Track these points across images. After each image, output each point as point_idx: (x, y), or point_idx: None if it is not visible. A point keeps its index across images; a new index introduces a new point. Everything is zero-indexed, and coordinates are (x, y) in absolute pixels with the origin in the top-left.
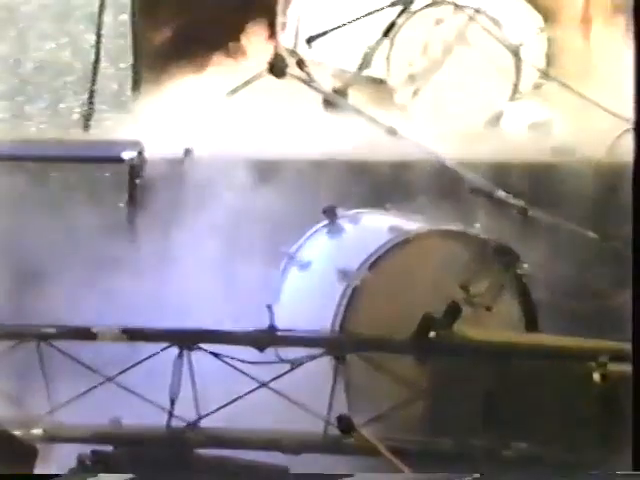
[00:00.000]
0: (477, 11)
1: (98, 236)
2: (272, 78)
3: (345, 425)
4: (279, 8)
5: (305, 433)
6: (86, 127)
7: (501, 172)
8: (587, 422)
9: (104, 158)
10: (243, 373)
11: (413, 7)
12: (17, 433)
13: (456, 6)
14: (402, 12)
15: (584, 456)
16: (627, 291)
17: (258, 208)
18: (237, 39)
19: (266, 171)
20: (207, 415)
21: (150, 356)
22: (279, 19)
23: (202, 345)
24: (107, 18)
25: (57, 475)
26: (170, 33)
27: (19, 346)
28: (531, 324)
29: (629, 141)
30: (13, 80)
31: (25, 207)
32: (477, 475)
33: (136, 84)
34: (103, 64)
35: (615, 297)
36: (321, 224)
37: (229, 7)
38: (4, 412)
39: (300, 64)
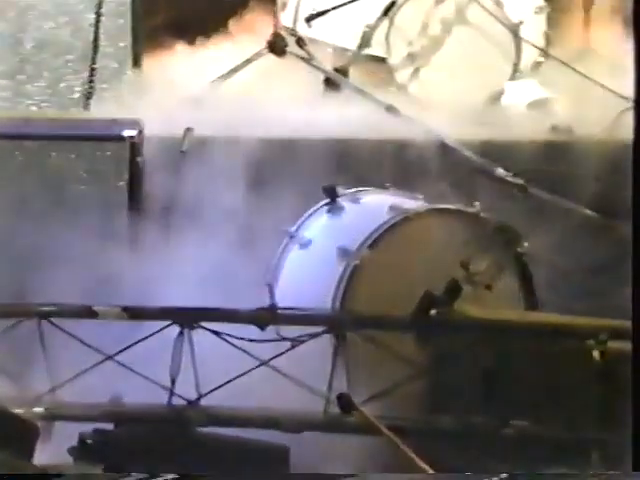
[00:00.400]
0: None
1: (98, 214)
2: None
3: (345, 403)
4: None
5: (305, 412)
6: (86, 106)
7: (501, 151)
8: (587, 400)
9: (105, 136)
10: (244, 351)
11: None
12: (18, 411)
13: None
14: None
15: (583, 434)
16: (626, 269)
17: (258, 185)
18: (237, 17)
19: (266, 150)
20: (208, 394)
21: (150, 334)
22: None
23: (203, 323)
24: (110, 5)
25: (58, 475)
26: (170, 11)
27: (20, 325)
28: (531, 302)
29: (629, 119)
30: (13, 59)
31: (25, 187)
32: (504, 475)
33: (136, 63)
34: (103, 43)
35: (615, 275)
36: (322, 203)
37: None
38: (5, 390)
39: (300, 43)
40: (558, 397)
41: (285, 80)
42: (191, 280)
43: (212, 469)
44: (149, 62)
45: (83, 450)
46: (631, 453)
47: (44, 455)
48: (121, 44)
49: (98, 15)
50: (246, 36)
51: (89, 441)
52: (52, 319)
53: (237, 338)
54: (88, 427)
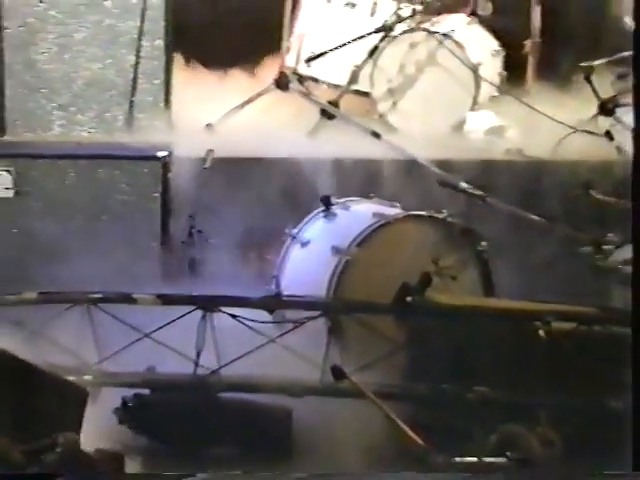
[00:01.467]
0: (445, 36)
1: (137, 218)
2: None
3: (338, 373)
4: (284, 35)
5: (305, 380)
6: (127, 132)
7: (464, 168)
8: (535, 369)
9: (142, 157)
10: (255, 331)
11: (393, 33)
12: (71, 379)
13: (428, 32)
14: (384, 38)
15: (532, 398)
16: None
17: (266, 195)
18: (251, 60)
19: (272, 167)
20: (226, 365)
21: (179, 317)
22: (284, 44)
23: (222, 308)
24: (145, 43)
25: (60, 475)
26: (196, 55)
27: (73, 309)
28: (489, 290)
29: (570, 143)
30: (68, 94)
31: (78, 197)
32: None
33: (167, 97)
34: (140, 80)
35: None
36: (318, 210)
37: (245, 37)
38: (62, 361)
39: (300, 80)
40: (512, 367)
41: (288, 110)
42: (209, 268)
43: (229, 427)
44: (178, 95)
45: (125, 411)
46: (631, 453)
47: (93, 415)
48: (155, 81)
49: (137, 58)
50: (258, 74)
51: (130, 404)
52: (99, 304)
53: (250, 320)
54: (129, 392)
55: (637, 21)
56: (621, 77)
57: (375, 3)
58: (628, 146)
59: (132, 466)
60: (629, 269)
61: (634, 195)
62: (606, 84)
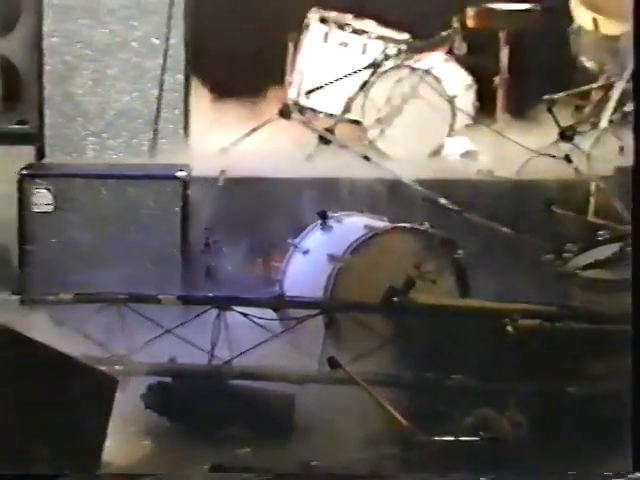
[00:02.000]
0: (426, 72)
1: (162, 230)
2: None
3: (333, 363)
4: (287, 71)
5: (306, 369)
6: (152, 155)
7: (443, 186)
8: (504, 360)
9: (164, 177)
10: (262, 327)
11: (381, 70)
12: (103, 368)
13: (411, 69)
14: (373, 73)
15: (502, 385)
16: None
17: (270, 209)
18: (258, 91)
19: (276, 186)
20: (237, 356)
21: (197, 315)
22: (287, 79)
23: (234, 307)
24: (167, 78)
25: (58, 475)
26: (211, 89)
27: (105, 308)
28: (464, 292)
29: (535, 165)
30: (101, 123)
31: (109, 212)
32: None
33: (186, 124)
34: (163, 110)
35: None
36: (316, 223)
37: (254, 72)
38: (95, 354)
39: (301, 110)
40: (485, 358)
41: (290, 136)
42: (223, 273)
43: (239, 410)
44: (195, 123)
45: (150, 396)
46: (631, 453)
47: (122, 400)
48: (176, 111)
49: (160, 91)
50: (263, 105)
51: (154, 390)
52: (128, 304)
53: (258, 317)
54: (153, 380)
55: (637, 21)
56: (578, 109)
57: (365, 43)
58: (585, 167)
59: (156, 445)
60: (586, 273)
61: (634, 194)
62: (566, 114)
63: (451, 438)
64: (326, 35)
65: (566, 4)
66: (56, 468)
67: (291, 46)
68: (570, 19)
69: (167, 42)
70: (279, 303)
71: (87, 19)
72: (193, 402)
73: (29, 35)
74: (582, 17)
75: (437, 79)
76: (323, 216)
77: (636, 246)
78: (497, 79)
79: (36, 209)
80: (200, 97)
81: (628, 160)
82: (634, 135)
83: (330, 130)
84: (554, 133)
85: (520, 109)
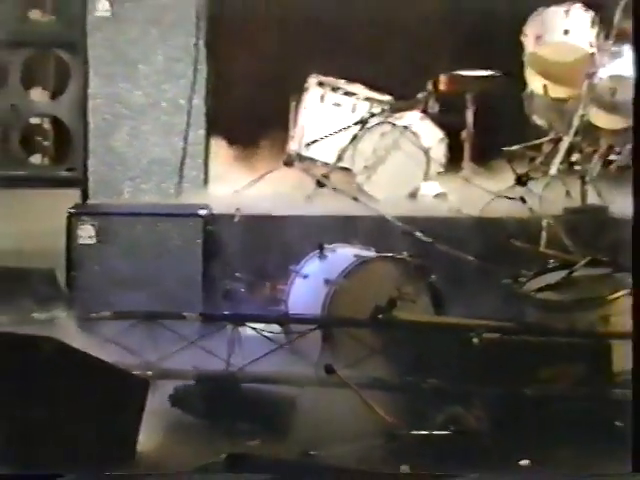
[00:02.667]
0: (405, 128)
1: (187, 259)
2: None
3: (329, 369)
4: (290, 127)
5: (306, 374)
6: (177, 196)
7: (418, 222)
8: (469, 368)
9: (188, 214)
10: (269, 339)
11: (367, 126)
12: (137, 373)
13: (393, 125)
14: (361, 129)
15: (466, 388)
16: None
17: (275, 242)
18: (266, 143)
19: (279, 222)
20: (249, 364)
21: (216, 330)
22: (290, 133)
23: (246, 323)
24: (190, 133)
25: (60, 475)
26: (227, 142)
27: (139, 323)
28: (439, 310)
29: (495, 205)
30: (136, 170)
31: (142, 243)
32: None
33: (206, 171)
34: (187, 160)
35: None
36: (314, 252)
37: (262, 128)
38: (130, 361)
39: (302, 159)
40: (454, 365)
41: (292, 181)
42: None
43: (249, 408)
44: (214, 170)
45: (176, 396)
46: (631, 453)
47: (154, 400)
48: (198, 160)
49: (185, 144)
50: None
51: (180, 391)
52: (158, 320)
53: (267, 331)
54: (179, 383)
55: (637, 21)
56: (532, 159)
57: (355, 103)
58: (537, 207)
59: (181, 437)
60: (538, 295)
61: (634, 194)
62: (521, 163)
63: (426, 432)
64: (322, 96)
65: (521, 71)
66: (98, 457)
67: (293, 105)
68: (524, 84)
69: (191, 103)
70: (284, 319)
71: (125, 83)
72: (212, 402)
73: (76, 98)
74: (534, 83)
75: (415, 134)
76: (319, 247)
77: (636, 246)
78: (464, 134)
79: (81, 241)
80: (218, 148)
81: (574, 202)
82: (633, 143)
83: (325, 176)
84: (511, 179)
85: (483, 159)
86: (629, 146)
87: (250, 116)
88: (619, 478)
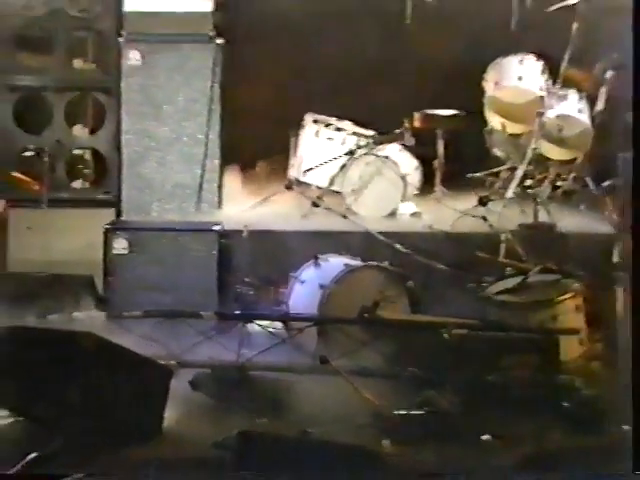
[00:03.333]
0: (386, 158)
1: (204, 268)
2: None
3: (324, 360)
4: (290, 157)
5: (304, 364)
6: (196, 215)
7: (398, 236)
8: (441, 358)
9: (205, 230)
10: (273, 334)
11: (355, 156)
12: (162, 362)
13: (376, 156)
14: (349, 158)
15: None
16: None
17: (277, 253)
18: (270, 172)
19: (280, 237)
20: (256, 355)
21: (228, 326)
22: (289, 162)
23: (255, 320)
24: (207, 162)
25: (63, 475)
26: (238, 169)
27: (164, 321)
28: (415, 310)
29: (462, 222)
30: (161, 193)
31: (166, 253)
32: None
33: (220, 194)
34: (205, 185)
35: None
36: (310, 261)
37: (267, 158)
38: (157, 352)
39: (300, 184)
40: (429, 356)
41: (291, 202)
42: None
43: (257, 392)
44: (226, 193)
45: (196, 382)
46: (631, 453)
47: (177, 385)
48: (213, 185)
49: (202, 171)
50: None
51: (198, 378)
52: (181, 318)
53: (271, 328)
54: (198, 371)
55: (637, 21)
56: (492, 184)
57: (344, 137)
58: (496, 224)
59: (200, 416)
60: (498, 297)
61: (634, 195)
62: (483, 188)
63: (405, 412)
64: (317, 132)
65: (483, 111)
66: (131, 432)
67: (293, 139)
68: (485, 122)
69: (207, 137)
70: (285, 318)
71: (152, 121)
72: (225, 387)
73: (111, 133)
74: (493, 121)
75: (394, 163)
76: (315, 257)
77: (636, 247)
78: (435, 163)
79: (115, 252)
80: (230, 175)
81: (527, 219)
82: (633, 146)
83: (320, 198)
84: (475, 200)
85: (451, 183)
86: (573, 174)
87: (256, 148)
88: (619, 478)
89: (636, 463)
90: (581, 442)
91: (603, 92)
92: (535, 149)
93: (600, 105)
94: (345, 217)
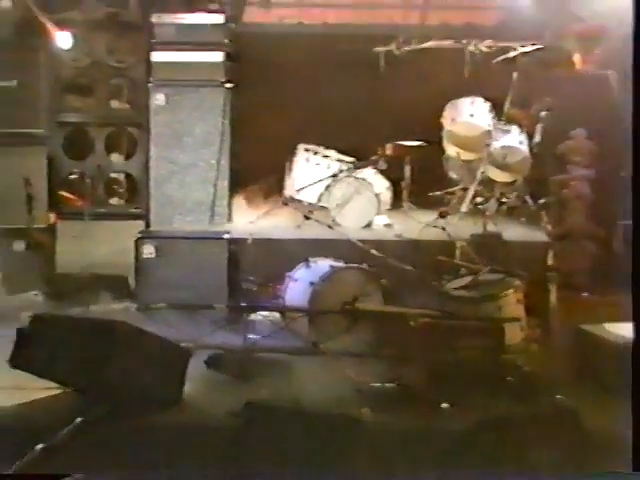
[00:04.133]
0: (363, 180)
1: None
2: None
3: (314, 344)
4: (285, 177)
5: (297, 347)
6: (209, 225)
7: (373, 244)
8: (410, 342)
9: (217, 238)
10: (273, 322)
11: (338, 178)
12: (182, 345)
13: (355, 178)
14: (334, 180)
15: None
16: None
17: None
18: (269, 191)
19: (277, 243)
20: (258, 339)
21: (237, 316)
22: (285, 182)
23: (257, 311)
24: (219, 183)
25: (65, 475)
26: (243, 189)
27: (185, 311)
28: (387, 303)
29: (425, 232)
30: (183, 208)
31: (186, 256)
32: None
33: (230, 209)
34: (217, 202)
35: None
36: (302, 264)
37: (266, 180)
38: (178, 337)
39: (294, 201)
40: (399, 340)
41: (287, 216)
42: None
43: (261, 368)
44: (235, 208)
45: (210, 361)
46: (631, 453)
47: (195, 364)
48: (224, 202)
49: (215, 190)
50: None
51: (212, 358)
52: (198, 310)
53: (271, 317)
54: (212, 352)
55: (637, 21)
56: (449, 201)
57: (329, 163)
58: (453, 234)
59: (213, 388)
60: (455, 292)
61: (634, 195)
62: (442, 204)
63: (380, 385)
64: (307, 158)
65: (441, 142)
66: (158, 401)
67: (287, 164)
68: (443, 151)
69: (219, 163)
70: (282, 309)
71: (175, 150)
72: (235, 364)
73: (141, 159)
74: (450, 150)
75: (370, 184)
76: (306, 260)
77: (636, 246)
78: (403, 183)
79: (144, 256)
80: (237, 193)
81: (478, 230)
82: (633, 148)
83: (310, 212)
84: (435, 214)
85: (416, 200)
86: (515, 193)
87: (259, 172)
88: (619, 478)
89: (636, 463)
90: (521, 409)
91: (539, 128)
92: (484, 173)
93: (537, 138)
94: (331, 227)
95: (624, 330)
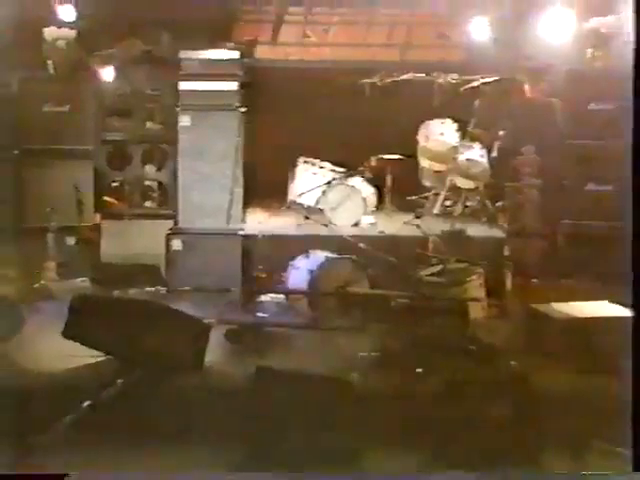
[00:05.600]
0: (353, 187)
1: (230, 262)
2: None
3: (312, 320)
4: (289, 186)
5: (299, 322)
6: (227, 225)
7: (361, 239)
8: (391, 320)
9: (233, 234)
10: (279, 303)
11: (331, 185)
12: (206, 321)
13: (346, 185)
14: (329, 187)
15: (390, 329)
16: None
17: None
18: (275, 198)
19: (285, 239)
20: (267, 316)
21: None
22: (288, 190)
23: (266, 294)
24: (235, 190)
25: (65, 475)
26: (254, 197)
27: (207, 295)
28: (373, 287)
29: (404, 229)
30: (204, 211)
31: (208, 251)
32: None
33: (244, 212)
34: (233, 206)
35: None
36: (303, 255)
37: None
38: (201, 314)
39: (295, 204)
40: (382, 319)
41: (291, 217)
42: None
43: (267, 341)
44: (249, 212)
45: (228, 335)
46: (631, 453)
47: (215, 337)
48: (238, 206)
49: (231, 196)
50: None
51: (230, 331)
52: (217, 293)
53: (277, 299)
54: (230, 327)
55: (637, 21)
56: (422, 205)
57: (324, 173)
58: (427, 230)
59: (231, 355)
60: (428, 279)
61: (634, 194)
62: (418, 206)
63: (366, 354)
64: (306, 169)
65: (416, 155)
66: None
67: (290, 174)
68: (418, 163)
69: (234, 173)
70: (286, 292)
71: (198, 161)
72: (250, 337)
73: (171, 170)
74: (424, 162)
75: (358, 190)
76: (306, 252)
77: (636, 246)
78: (385, 190)
79: (174, 249)
80: (249, 199)
81: (447, 227)
82: (633, 136)
83: (310, 213)
84: (412, 215)
85: (398, 203)
86: (477, 198)
87: (267, 181)
88: (619, 478)
89: (636, 463)
90: (482, 373)
91: (496, 144)
92: (452, 181)
93: (494, 153)
94: (326, 226)
95: (566, 309)
